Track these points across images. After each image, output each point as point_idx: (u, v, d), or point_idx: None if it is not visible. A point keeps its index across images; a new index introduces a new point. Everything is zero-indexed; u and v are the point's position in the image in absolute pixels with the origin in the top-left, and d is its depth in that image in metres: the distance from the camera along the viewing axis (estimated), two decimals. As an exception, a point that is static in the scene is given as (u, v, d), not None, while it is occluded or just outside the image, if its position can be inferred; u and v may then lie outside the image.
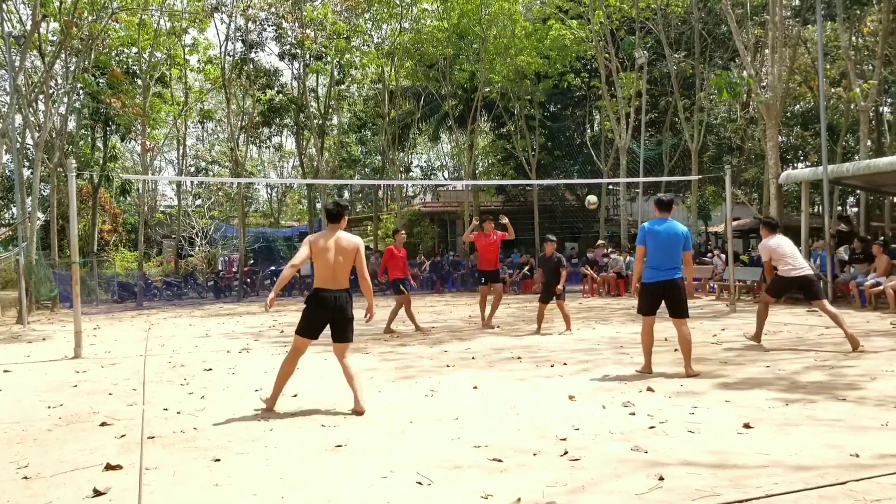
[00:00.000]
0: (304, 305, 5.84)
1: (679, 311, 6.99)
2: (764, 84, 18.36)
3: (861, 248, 14.58)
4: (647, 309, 7.11)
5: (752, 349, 8.41)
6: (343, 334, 5.80)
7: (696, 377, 6.69)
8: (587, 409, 5.47)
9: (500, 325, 12.13)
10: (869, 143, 21.09)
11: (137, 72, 25.98)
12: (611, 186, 28.97)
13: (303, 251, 5.75)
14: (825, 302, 8.52)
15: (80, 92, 24.05)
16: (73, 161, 10.23)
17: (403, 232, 13.20)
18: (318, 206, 30.14)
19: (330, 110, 30.12)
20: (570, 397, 5.91)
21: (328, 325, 5.80)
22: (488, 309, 12.07)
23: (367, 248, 29.06)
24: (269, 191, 47.78)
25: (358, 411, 5.58)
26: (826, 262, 14.75)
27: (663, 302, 7.05)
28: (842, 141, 25.02)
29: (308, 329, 5.78)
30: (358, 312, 6.11)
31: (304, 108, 27.99)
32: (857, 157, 22.68)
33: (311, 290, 5.81)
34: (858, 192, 21.46)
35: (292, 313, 16.13)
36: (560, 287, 10.85)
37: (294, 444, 4.72)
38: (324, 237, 5.79)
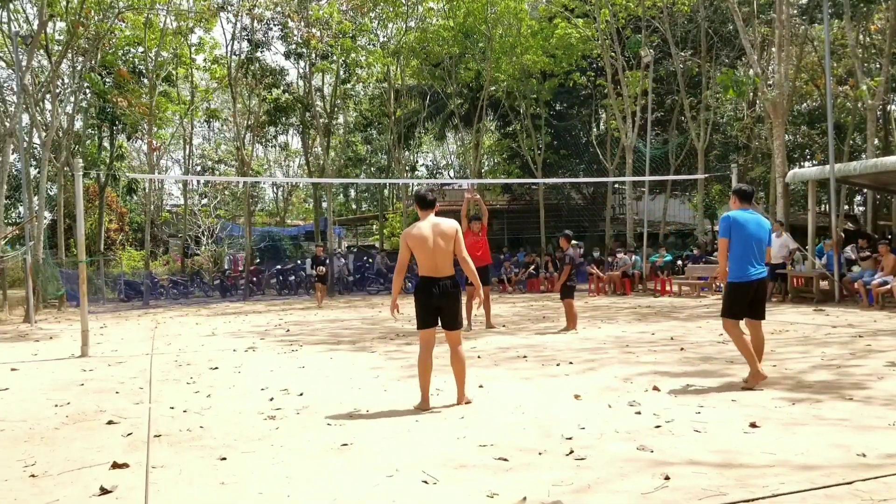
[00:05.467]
0: (414, 298, 5.76)
1: (761, 313, 6.40)
2: (770, 82, 18.31)
3: (866, 245, 14.53)
4: (739, 312, 6.26)
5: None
6: (453, 322, 5.69)
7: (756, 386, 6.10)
8: (593, 409, 5.47)
9: (505, 325, 12.13)
10: (876, 141, 21.01)
11: (144, 71, 26.05)
12: (616, 185, 28.92)
13: (402, 252, 5.70)
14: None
15: (87, 91, 24.14)
16: (80, 160, 10.28)
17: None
18: (324, 204, 30.19)
19: (336, 109, 30.11)
20: (576, 396, 5.90)
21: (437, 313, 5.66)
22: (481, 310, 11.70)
23: (372, 247, 28.90)
24: (275, 190, 47.81)
25: (466, 401, 5.68)
26: (833, 261, 14.71)
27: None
28: (849, 139, 24.94)
29: (424, 320, 5.68)
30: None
31: (309, 107, 27.98)
32: (864, 156, 22.58)
33: (418, 281, 5.70)
34: (865, 190, 21.40)
35: (298, 313, 16.17)
36: (560, 283, 10.89)
37: (300, 443, 4.73)
38: (419, 228, 5.64)
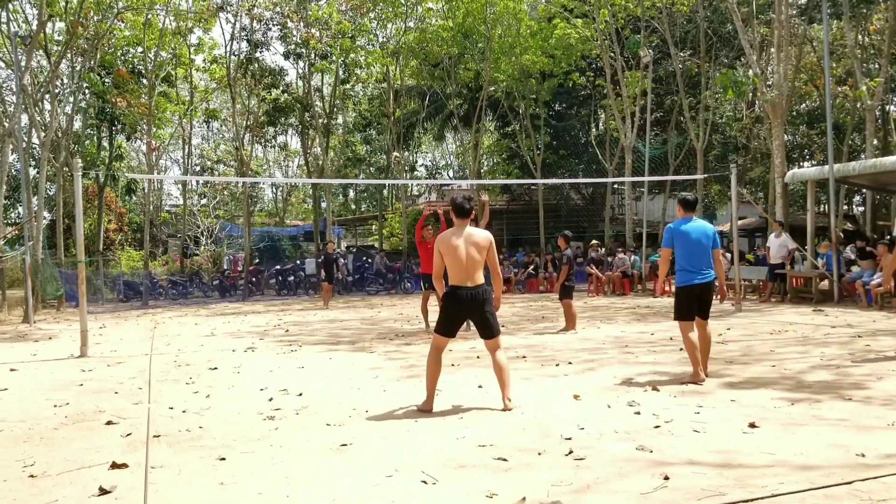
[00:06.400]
0: (442, 303, 5.76)
1: (706, 313, 6.76)
2: (769, 83, 18.30)
3: (864, 246, 14.55)
4: (687, 314, 6.68)
5: (757, 348, 8.39)
6: (488, 330, 5.68)
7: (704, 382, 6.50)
8: (592, 409, 5.47)
9: (505, 325, 12.12)
10: (875, 141, 21.00)
11: (143, 71, 26.04)
12: (616, 185, 28.93)
13: (437, 259, 5.67)
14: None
15: (86, 91, 24.12)
16: (79, 160, 10.27)
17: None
18: (324, 205, 30.19)
19: (335, 109, 30.12)
20: (575, 396, 5.90)
21: (468, 323, 5.65)
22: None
23: (371, 247, 28.87)
24: (275, 190, 47.80)
25: (507, 408, 5.53)
26: (832, 262, 14.72)
27: None
28: (848, 140, 24.93)
29: (446, 328, 5.71)
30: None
31: (309, 107, 27.98)
32: (863, 156, 22.57)
33: (448, 289, 5.68)
34: (864, 191, 21.41)
35: (297, 313, 16.17)
36: (558, 284, 10.92)
37: (299, 443, 4.73)
38: (454, 235, 5.65)
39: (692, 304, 6.67)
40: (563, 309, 11.11)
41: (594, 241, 22.22)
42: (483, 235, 5.67)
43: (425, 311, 11.92)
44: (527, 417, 5.25)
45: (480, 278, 5.63)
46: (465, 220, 5.71)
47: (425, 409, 5.60)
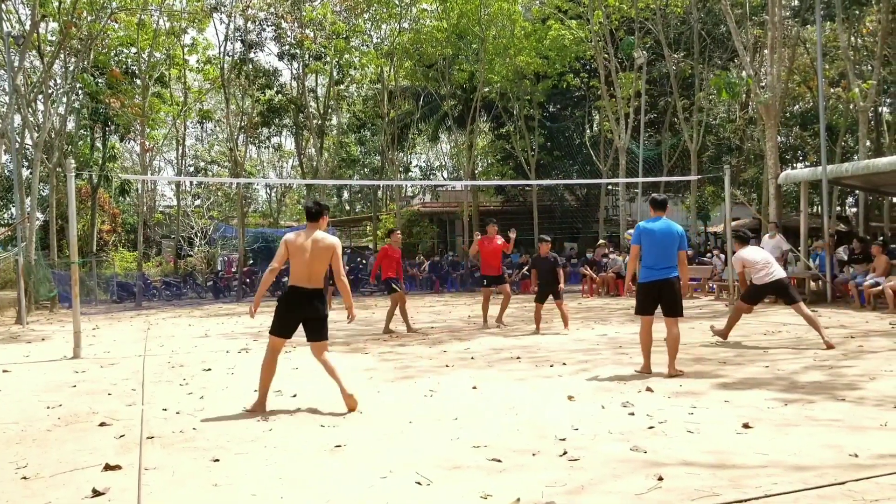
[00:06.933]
0: (277, 303, 5.84)
1: (673, 310, 6.98)
2: (763, 84, 18.37)
3: (860, 249, 14.58)
4: (644, 309, 7.06)
5: (751, 349, 8.41)
6: (318, 333, 5.83)
7: (679, 376, 6.70)
8: (586, 410, 5.47)
9: (499, 325, 12.13)
10: (868, 143, 21.09)
11: (136, 72, 25.95)
12: (610, 187, 28.98)
13: (280, 251, 5.76)
14: (801, 305, 8.66)
15: (80, 92, 24.02)
16: (72, 161, 10.23)
17: (399, 232, 13.14)
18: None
19: (329, 110, 30.13)
20: (570, 397, 5.91)
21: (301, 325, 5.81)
22: (492, 310, 12.15)
23: (365, 248, 28.83)
24: (269, 191, 47.74)
25: (350, 406, 5.62)
26: (825, 263, 14.76)
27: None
28: (841, 141, 25.02)
29: (281, 328, 5.80)
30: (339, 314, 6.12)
31: (303, 108, 27.97)
32: (856, 158, 22.68)
33: (286, 289, 5.81)
34: (857, 192, 21.48)
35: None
36: (560, 287, 10.94)
37: (293, 444, 4.72)
38: (301, 235, 5.80)
39: (650, 300, 7.00)
40: (560, 311, 11.12)
41: (602, 241, 22.26)
42: (330, 240, 5.82)
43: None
44: (521, 418, 5.26)
45: (320, 282, 5.78)
46: (315, 224, 5.88)
47: (255, 411, 5.65)
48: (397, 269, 11.96)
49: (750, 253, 9.08)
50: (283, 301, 5.78)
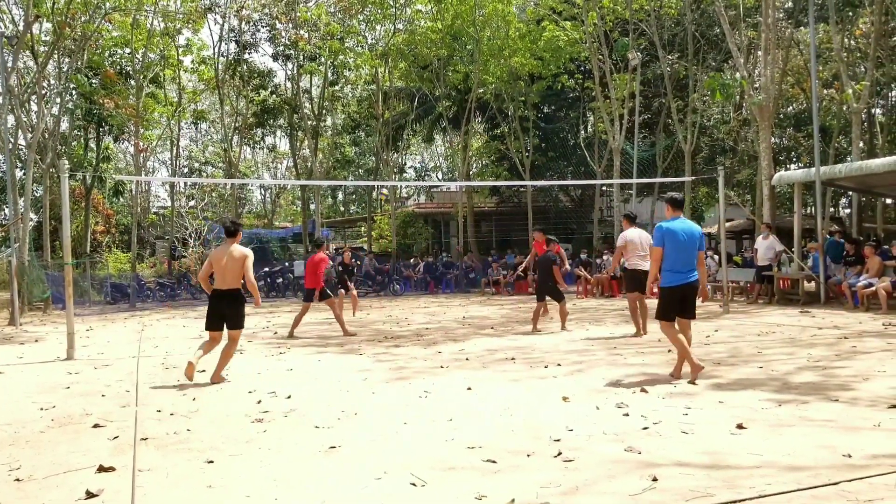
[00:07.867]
0: (209, 302, 7.30)
1: (690, 313, 6.79)
2: (757, 86, 18.39)
3: (853, 251, 14.64)
4: (666, 314, 6.74)
5: (745, 350, 8.43)
6: (233, 322, 7.27)
7: (700, 370, 6.60)
8: (581, 410, 5.48)
9: (494, 326, 12.13)
10: (861, 144, 21.17)
11: (131, 72, 25.89)
12: (604, 187, 29.02)
13: (206, 264, 7.35)
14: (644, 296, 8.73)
15: (73, 92, 23.97)
16: (66, 162, 10.20)
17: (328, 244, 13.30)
18: (312, 206, 30.12)
19: (324, 111, 30.08)
20: (564, 398, 5.91)
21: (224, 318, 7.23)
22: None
23: (360, 248, 28.82)
24: (263, 192, 47.71)
25: (214, 380, 7.14)
26: (818, 263, 14.81)
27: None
28: (834, 142, 25.12)
29: (210, 322, 7.29)
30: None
31: (297, 109, 27.94)
32: (849, 159, 22.76)
33: (212, 291, 7.28)
34: (851, 193, 21.55)
35: (287, 314, 16.12)
36: (561, 287, 10.94)
37: (288, 446, 4.72)
38: (221, 250, 7.27)
39: (675, 305, 6.70)
40: (559, 310, 11.12)
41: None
42: (240, 252, 7.23)
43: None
44: (516, 419, 5.26)
45: (236, 284, 7.25)
46: (232, 239, 7.33)
47: (189, 375, 7.09)
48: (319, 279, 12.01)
49: (634, 234, 9.04)
50: (209, 301, 7.32)
